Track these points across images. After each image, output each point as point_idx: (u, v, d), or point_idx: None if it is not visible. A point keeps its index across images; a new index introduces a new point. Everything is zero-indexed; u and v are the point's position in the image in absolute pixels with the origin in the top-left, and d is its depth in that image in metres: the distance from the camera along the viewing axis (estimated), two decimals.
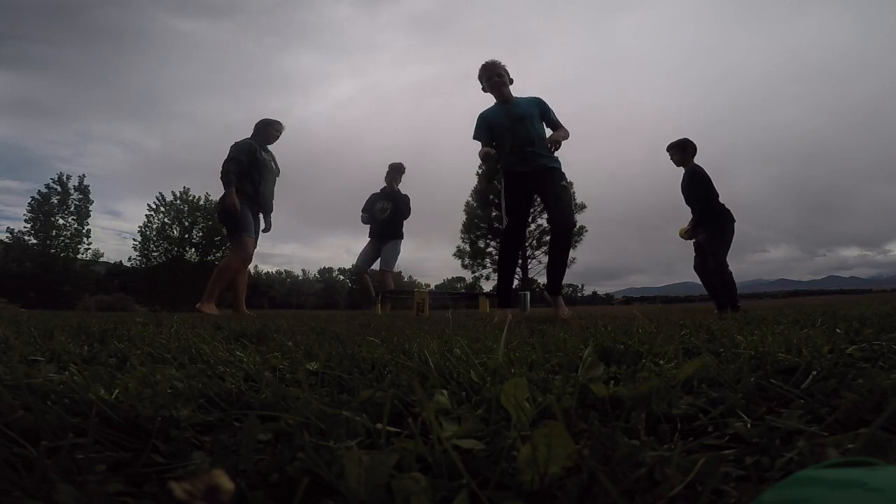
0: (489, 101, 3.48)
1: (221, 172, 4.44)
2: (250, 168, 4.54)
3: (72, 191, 29.06)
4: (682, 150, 4.84)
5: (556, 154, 3.36)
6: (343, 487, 0.33)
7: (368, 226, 6.06)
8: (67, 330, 1.76)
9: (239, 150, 4.52)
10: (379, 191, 6.12)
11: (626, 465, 0.38)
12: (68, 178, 29.19)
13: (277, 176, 4.95)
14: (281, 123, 4.86)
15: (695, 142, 4.83)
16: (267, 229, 4.95)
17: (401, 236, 6.03)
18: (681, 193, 4.90)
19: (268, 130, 4.79)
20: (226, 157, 4.53)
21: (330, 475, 0.35)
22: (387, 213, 5.91)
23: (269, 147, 4.85)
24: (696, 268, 5.10)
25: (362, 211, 6.08)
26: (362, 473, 0.33)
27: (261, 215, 4.80)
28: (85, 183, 29.60)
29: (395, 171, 6.14)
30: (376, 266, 6.07)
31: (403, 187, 6.30)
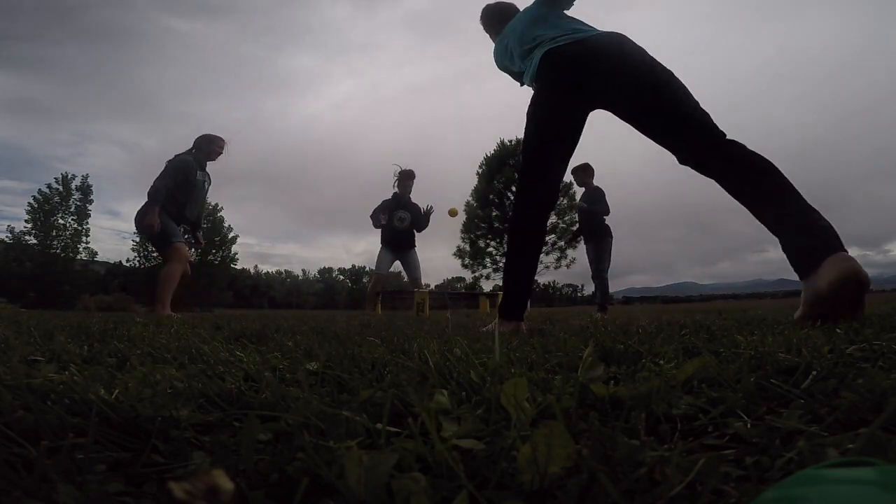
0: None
1: (151, 189, 4.32)
2: (179, 189, 4.44)
3: (73, 191, 29.06)
4: (584, 172, 5.77)
5: None
6: (343, 487, 0.33)
7: (380, 229, 5.91)
8: (67, 330, 1.76)
9: (175, 171, 4.43)
10: (391, 198, 5.95)
11: (626, 465, 0.38)
12: (72, 178, 29.19)
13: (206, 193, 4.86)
14: (223, 139, 4.72)
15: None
16: (197, 246, 4.99)
17: (415, 245, 6.00)
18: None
19: (211, 147, 4.63)
20: (161, 172, 4.41)
21: (330, 475, 0.35)
22: (405, 224, 5.84)
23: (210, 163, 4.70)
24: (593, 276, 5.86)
25: (377, 215, 5.86)
26: (362, 473, 0.33)
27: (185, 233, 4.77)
28: (88, 182, 29.61)
29: (408, 177, 5.99)
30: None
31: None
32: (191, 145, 4.69)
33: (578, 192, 6.13)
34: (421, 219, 5.94)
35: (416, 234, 5.99)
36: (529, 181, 1.91)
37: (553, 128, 1.89)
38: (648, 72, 1.81)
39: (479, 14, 2.46)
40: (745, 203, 1.68)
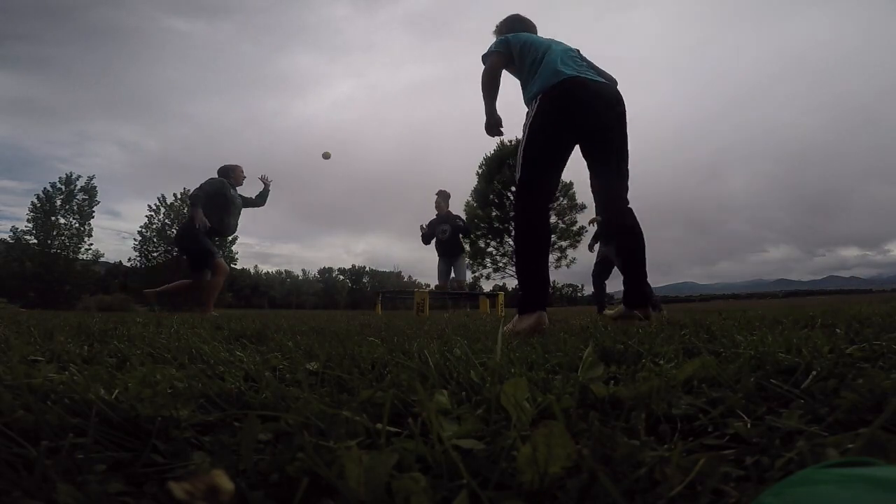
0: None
1: (190, 196, 5.09)
2: (217, 202, 5.11)
3: (77, 192, 28.89)
4: None
5: None
6: (343, 487, 0.33)
7: (426, 239, 6.97)
8: (67, 330, 1.76)
9: (210, 184, 5.11)
10: (436, 216, 6.99)
11: (626, 465, 0.38)
12: (77, 178, 29.08)
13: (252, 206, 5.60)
14: (241, 167, 5.44)
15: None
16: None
17: (463, 251, 7.00)
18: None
19: (236, 173, 5.35)
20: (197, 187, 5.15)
21: (330, 475, 0.35)
22: (446, 235, 6.84)
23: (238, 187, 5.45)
24: (594, 276, 5.82)
25: (427, 232, 6.96)
26: (362, 473, 0.33)
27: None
28: (93, 184, 29.41)
29: (442, 196, 7.03)
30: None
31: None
32: (215, 174, 5.33)
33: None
34: (460, 225, 6.95)
35: (464, 238, 6.99)
36: (530, 194, 2.11)
37: (553, 147, 2.13)
38: (619, 126, 2.20)
39: (505, 19, 2.71)
40: (623, 253, 2.30)
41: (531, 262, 2.04)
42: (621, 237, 2.26)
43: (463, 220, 7.10)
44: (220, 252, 5.25)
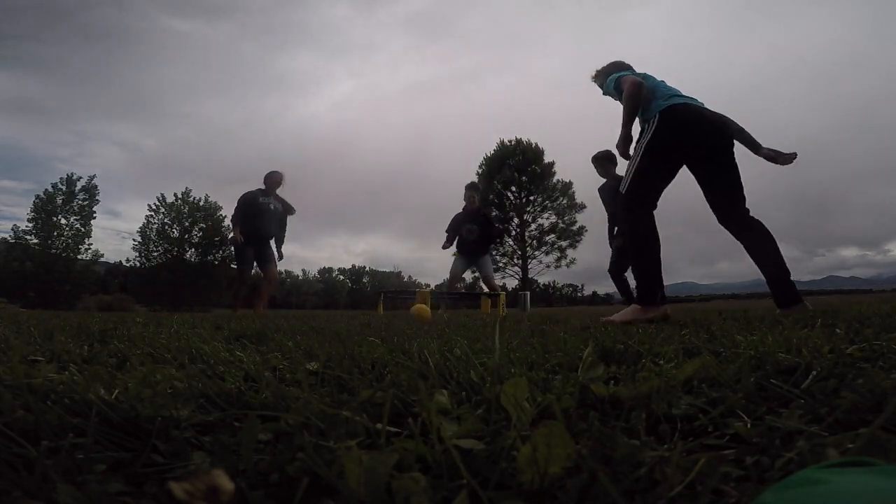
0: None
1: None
2: (249, 211, 5.80)
3: (78, 192, 28.80)
4: (609, 161, 5.38)
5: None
6: (343, 487, 0.33)
7: (448, 241, 6.51)
8: (67, 330, 1.76)
9: (242, 202, 5.86)
10: (461, 212, 6.40)
11: (626, 465, 0.38)
12: (78, 178, 29.02)
13: (289, 213, 6.15)
14: (280, 173, 6.11)
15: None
16: (279, 258, 6.10)
17: (489, 252, 6.60)
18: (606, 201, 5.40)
19: (270, 179, 6.01)
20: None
21: (330, 475, 0.35)
22: (474, 235, 6.34)
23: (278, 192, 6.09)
24: (611, 269, 5.42)
25: (447, 231, 6.46)
26: (362, 473, 0.33)
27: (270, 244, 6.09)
28: (94, 183, 29.32)
29: (473, 189, 6.54)
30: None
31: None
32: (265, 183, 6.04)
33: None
34: (491, 229, 6.50)
35: (490, 240, 6.48)
36: (637, 206, 2.34)
37: (663, 166, 2.38)
38: (727, 153, 2.41)
39: (607, 65, 2.92)
40: (753, 257, 2.42)
41: (649, 263, 2.32)
42: (753, 244, 2.41)
43: (492, 221, 6.59)
44: (262, 257, 5.93)
